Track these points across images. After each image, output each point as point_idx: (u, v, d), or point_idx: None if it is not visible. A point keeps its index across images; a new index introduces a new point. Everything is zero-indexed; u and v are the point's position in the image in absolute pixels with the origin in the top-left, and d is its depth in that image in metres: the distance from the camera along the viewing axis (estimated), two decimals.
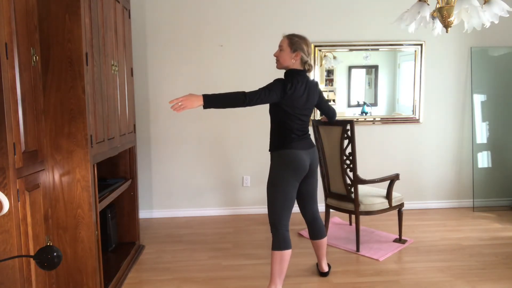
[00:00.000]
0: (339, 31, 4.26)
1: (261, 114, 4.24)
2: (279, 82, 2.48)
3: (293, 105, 2.50)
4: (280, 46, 2.57)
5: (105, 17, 2.59)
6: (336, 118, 3.03)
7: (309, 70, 2.57)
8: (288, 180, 2.52)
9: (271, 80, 2.52)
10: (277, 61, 2.60)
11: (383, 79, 4.36)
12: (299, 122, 2.56)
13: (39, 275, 2.03)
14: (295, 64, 2.53)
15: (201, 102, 2.33)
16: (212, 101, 2.35)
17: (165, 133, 4.26)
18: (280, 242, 2.50)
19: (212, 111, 4.22)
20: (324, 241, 2.83)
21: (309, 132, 2.68)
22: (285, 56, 2.53)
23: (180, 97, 2.32)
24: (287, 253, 2.51)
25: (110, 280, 2.64)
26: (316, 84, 2.67)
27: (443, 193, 4.55)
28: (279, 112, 2.55)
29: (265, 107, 4.13)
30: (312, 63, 2.61)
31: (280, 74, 2.46)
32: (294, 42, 2.51)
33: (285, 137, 2.55)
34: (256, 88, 2.46)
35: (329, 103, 2.84)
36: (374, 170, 4.21)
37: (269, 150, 2.66)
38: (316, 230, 2.79)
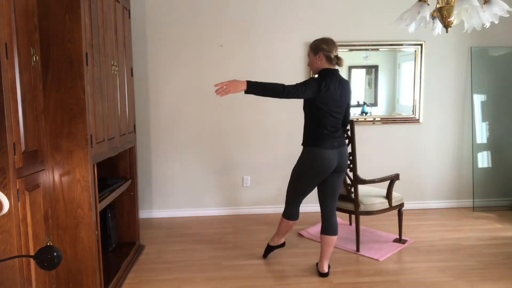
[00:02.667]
0: (339, 31, 4.25)
1: (261, 114, 4.25)
2: (314, 80, 2.67)
3: (327, 102, 2.66)
4: (308, 55, 2.84)
5: (105, 17, 2.59)
6: None
7: (338, 64, 2.76)
8: (311, 177, 2.78)
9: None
10: (310, 68, 2.86)
11: (383, 79, 4.36)
12: (332, 118, 2.72)
13: (39, 275, 2.03)
14: (323, 64, 2.74)
15: (244, 87, 2.52)
16: (254, 88, 2.55)
17: (165, 133, 4.26)
18: (288, 213, 2.96)
19: (212, 109, 4.23)
20: (333, 239, 2.86)
21: (341, 130, 2.83)
22: (312, 61, 2.79)
23: (224, 81, 2.49)
24: (292, 222, 2.99)
25: (110, 280, 2.64)
26: (348, 82, 2.84)
27: (443, 193, 4.55)
28: (313, 108, 2.71)
29: (265, 108, 4.14)
30: (340, 56, 2.76)
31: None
32: (314, 46, 2.76)
33: (317, 134, 2.72)
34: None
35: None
36: (374, 170, 4.21)
37: (301, 144, 2.84)
38: (330, 225, 2.86)
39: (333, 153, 2.70)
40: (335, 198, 2.87)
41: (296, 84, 2.62)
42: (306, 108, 2.78)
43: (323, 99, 2.64)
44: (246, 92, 2.54)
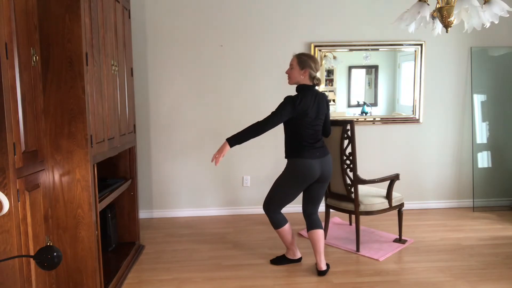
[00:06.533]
0: (339, 31, 4.26)
1: (261, 114, 4.24)
2: (288, 100, 2.74)
3: (304, 116, 2.74)
4: (291, 64, 2.85)
5: (105, 17, 2.59)
6: (336, 118, 3.09)
7: (317, 84, 2.84)
8: (292, 186, 2.85)
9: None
10: (289, 77, 2.87)
11: (383, 79, 4.36)
12: (311, 131, 2.80)
13: (39, 275, 2.03)
14: (304, 80, 2.80)
15: (228, 146, 2.74)
16: (235, 140, 2.75)
17: (165, 133, 4.26)
18: (274, 222, 2.96)
19: (211, 109, 4.23)
20: (320, 233, 2.88)
21: (322, 140, 2.89)
22: (295, 73, 2.81)
23: (215, 153, 2.76)
24: (284, 228, 2.96)
25: (110, 280, 2.64)
26: (324, 95, 2.92)
27: (443, 193, 4.55)
28: (291, 122, 2.80)
29: (265, 108, 4.14)
30: (320, 77, 2.87)
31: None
32: (303, 60, 2.79)
33: (297, 146, 2.80)
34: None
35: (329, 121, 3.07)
36: (374, 170, 4.21)
37: (285, 157, 2.90)
38: (312, 221, 2.92)
39: (315, 162, 2.78)
40: (318, 205, 2.97)
41: (271, 114, 2.74)
42: (285, 122, 2.84)
43: (300, 114, 2.73)
44: (231, 146, 2.75)
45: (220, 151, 2.74)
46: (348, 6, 4.24)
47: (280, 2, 4.19)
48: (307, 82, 2.80)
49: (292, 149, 2.82)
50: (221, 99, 4.26)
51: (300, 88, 2.81)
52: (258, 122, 2.75)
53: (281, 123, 2.78)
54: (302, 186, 2.84)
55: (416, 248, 3.36)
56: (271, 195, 2.93)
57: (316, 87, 2.85)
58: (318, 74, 2.82)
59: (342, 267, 3.01)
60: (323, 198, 3.56)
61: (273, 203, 2.91)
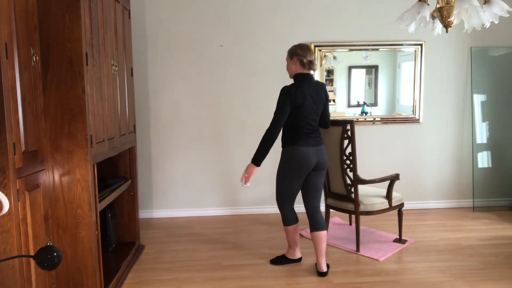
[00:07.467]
0: (339, 31, 4.26)
1: (261, 114, 4.25)
2: (284, 92, 2.77)
3: (301, 105, 2.75)
4: (286, 60, 2.94)
5: (105, 17, 2.59)
6: (336, 118, 3.09)
7: (311, 68, 2.85)
8: (292, 175, 2.85)
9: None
10: (288, 72, 2.94)
11: (383, 79, 4.36)
12: (308, 121, 2.81)
13: (39, 275, 2.03)
14: (298, 68, 2.84)
15: (255, 167, 2.82)
16: (259, 157, 2.80)
17: (165, 133, 4.26)
18: (285, 219, 2.99)
19: (211, 109, 4.23)
20: (323, 234, 2.88)
21: (319, 131, 2.91)
22: (288, 65, 2.90)
23: (243, 173, 2.84)
24: (292, 227, 2.98)
25: (110, 280, 2.64)
26: (322, 84, 2.93)
27: (443, 193, 4.55)
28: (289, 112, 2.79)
29: (265, 107, 4.14)
30: (313, 60, 2.85)
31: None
32: (290, 51, 2.88)
33: (294, 135, 2.82)
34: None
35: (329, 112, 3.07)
36: (374, 170, 4.21)
37: (281, 147, 2.92)
38: (316, 221, 2.91)
39: (310, 150, 2.80)
40: (318, 196, 2.95)
41: (275, 115, 2.78)
42: None
43: (296, 104, 2.74)
44: (258, 165, 2.81)
45: (249, 172, 2.82)
46: (348, 6, 4.24)
47: (280, 2, 4.19)
48: (301, 70, 2.82)
49: (288, 137, 2.84)
50: (221, 99, 4.26)
51: (296, 77, 2.84)
52: (267, 130, 2.78)
53: (286, 116, 2.79)
54: (301, 174, 2.83)
55: (416, 248, 3.36)
56: (276, 190, 2.96)
57: (312, 73, 2.86)
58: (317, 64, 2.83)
59: (342, 267, 3.01)
60: (324, 198, 3.58)
61: (281, 197, 2.94)
